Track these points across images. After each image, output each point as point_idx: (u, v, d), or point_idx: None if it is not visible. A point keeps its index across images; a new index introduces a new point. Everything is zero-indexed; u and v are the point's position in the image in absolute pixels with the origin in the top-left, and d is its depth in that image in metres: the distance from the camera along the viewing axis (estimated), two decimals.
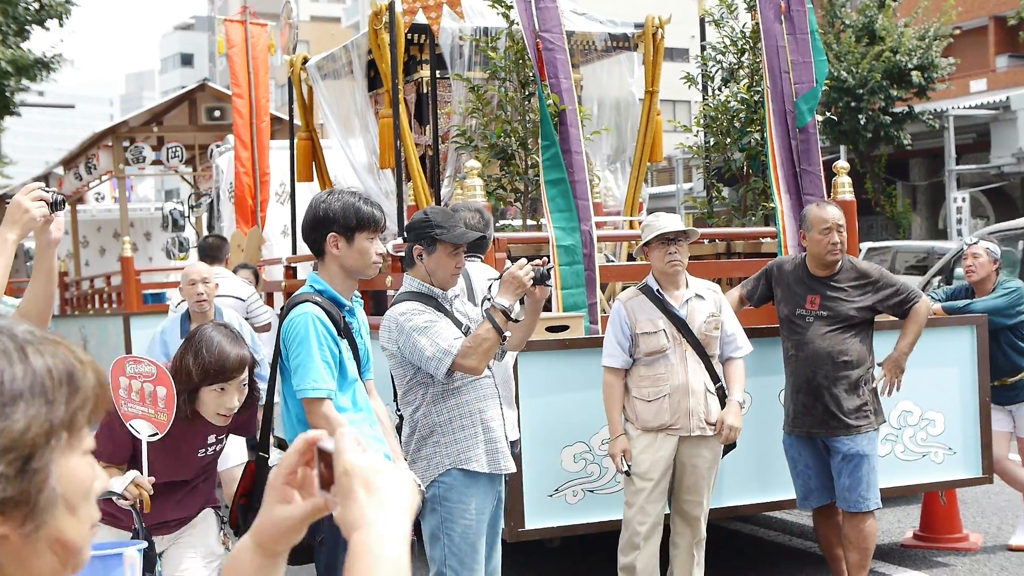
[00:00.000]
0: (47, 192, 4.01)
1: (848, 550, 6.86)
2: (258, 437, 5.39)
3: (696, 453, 6.39)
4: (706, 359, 6.42)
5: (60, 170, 20.05)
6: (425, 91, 9.63)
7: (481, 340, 5.16)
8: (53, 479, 1.44)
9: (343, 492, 1.58)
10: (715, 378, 6.44)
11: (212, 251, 10.05)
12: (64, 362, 1.49)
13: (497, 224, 8.39)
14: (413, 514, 1.59)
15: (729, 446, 6.52)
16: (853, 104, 30.45)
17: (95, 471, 1.52)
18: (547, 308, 7.43)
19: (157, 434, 4.78)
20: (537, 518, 6.82)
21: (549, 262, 5.49)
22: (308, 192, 10.58)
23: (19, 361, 1.45)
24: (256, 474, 5.14)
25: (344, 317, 4.85)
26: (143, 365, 4.87)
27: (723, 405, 6.42)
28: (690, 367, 6.38)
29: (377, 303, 8.82)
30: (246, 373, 4.82)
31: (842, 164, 8.24)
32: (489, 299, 5.27)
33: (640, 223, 9.36)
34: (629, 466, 6.36)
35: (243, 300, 9.44)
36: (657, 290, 6.47)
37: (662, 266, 6.43)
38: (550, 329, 6.98)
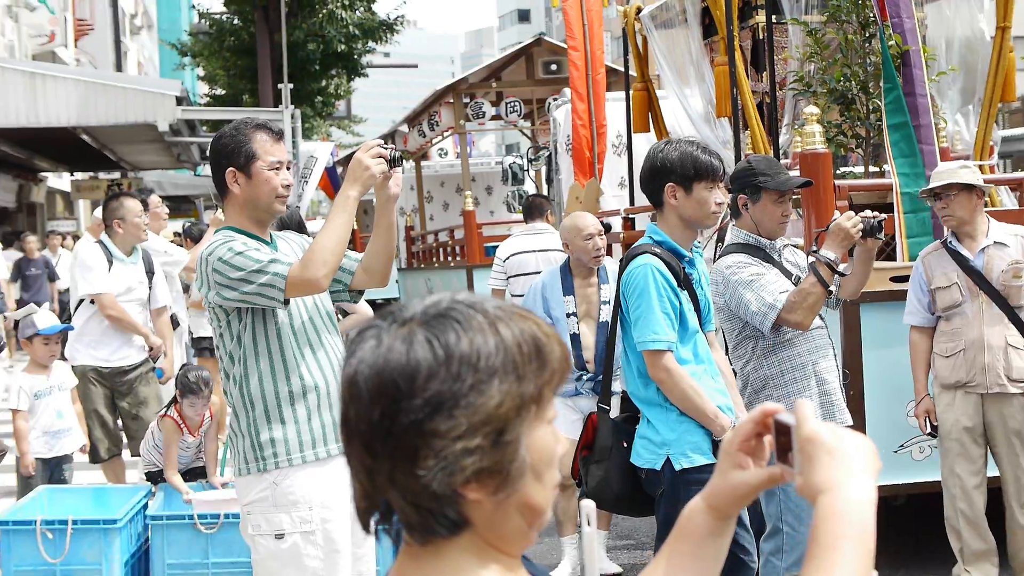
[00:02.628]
0: (386, 149, 4.16)
1: None
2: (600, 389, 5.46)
3: (1004, 412, 6.04)
4: (1010, 311, 6.02)
5: (405, 127, 20.74)
6: (761, 37, 9.46)
7: (806, 294, 5.06)
8: (523, 449, 1.54)
9: (807, 458, 1.62)
10: None
11: (539, 209, 10.23)
12: (532, 336, 1.56)
13: (838, 171, 8.18)
14: (877, 478, 1.64)
15: None
16: None
17: (557, 437, 1.60)
18: (892, 257, 7.21)
19: None
20: (881, 474, 6.63)
21: (881, 214, 5.32)
22: (644, 143, 10.57)
23: (492, 337, 1.53)
24: (597, 426, 5.21)
25: (684, 268, 4.83)
26: None
27: None
28: (987, 321, 6.02)
29: None
30: None
31: None
32: (815, 251, 5.16)
33: (991, 168, 8.96)
34: (934, 426, 6.13)
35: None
36: (950, 241, 6.17)
37: (940, 219, 6.20)
38: (894, 279, 6.77)
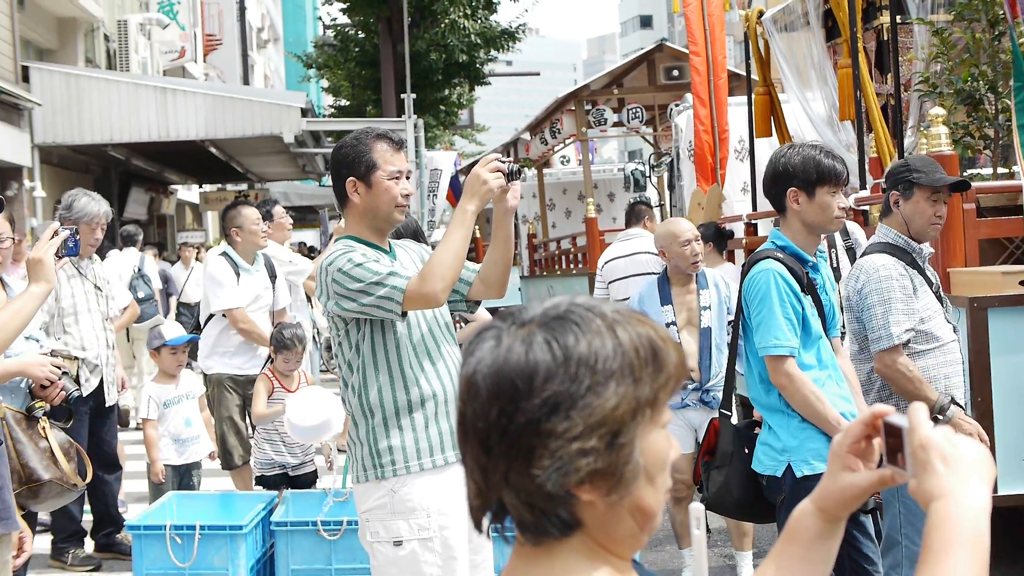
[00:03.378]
0: (504, 163, 4.17)
1: None
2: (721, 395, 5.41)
3: None
4: None
5: (527, 135, 20.79)
6: (885, 38, 9.33)
7: (908, 381, 4.99)
8: (637, 452, 1.55)
9: (920, 464, 1.61)
10: None
11: (637, 215, 10.24)
12: (650, 340, 1.57)
13: (965, 173, 8.03)
14: (991, 485, 1.61)
15: None
16: None
17: (671, 442, 1.61)
18: (1021, 260, 7.04)
19: None
20: (1011, 483, 6.49)
21: None
22: (767, 148, 10.50)
23: (610, 340, 1.54)
24: (719, 431, 5.17)
25: (808, 273, 4.77)
26: None
27: None
28: None
29: None
30: None
31: None
32: (947, 407, 5.05)
33: None
34: None
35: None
36: None
37: None
38: None
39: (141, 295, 13.61)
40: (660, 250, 7.00)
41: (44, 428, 4.87)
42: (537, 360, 1.52)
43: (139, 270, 14.12)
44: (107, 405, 7.78)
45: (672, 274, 6.98)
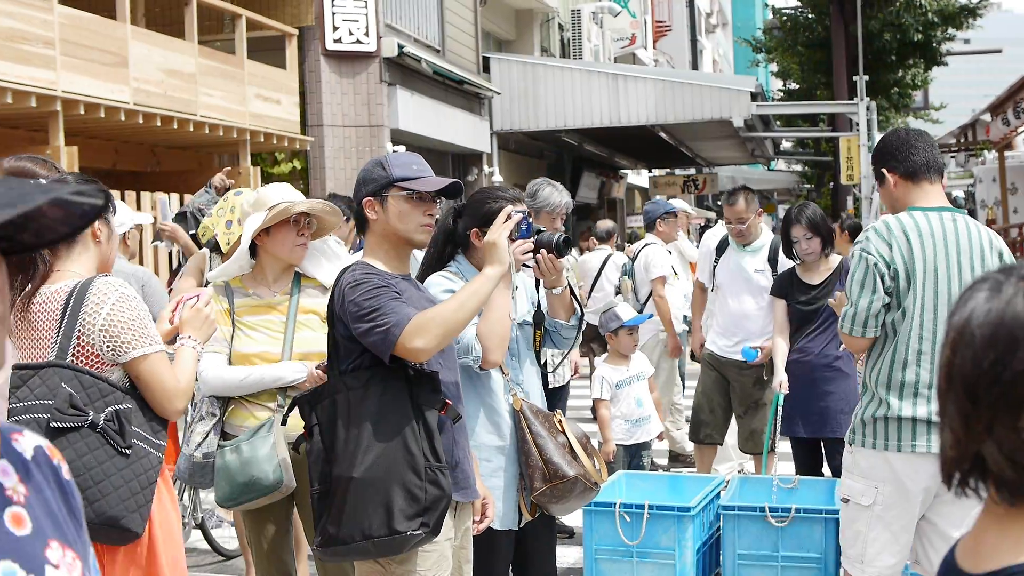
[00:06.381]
0: None
1: None
2: None
3: None
4: None
5: (987, 116, 19.92)
6: None
7: None
8: None
9: None
10: None
11: None
12: None
13: None
14: None
15: None
16: None
17: None
18: None
19: None
20: None
21: None
22: None
23: None
24: None
25: None
26: None
27: None
28: None
29: None
30: None
31: None
32: None
33: None
34: None
35: None
36: None
37: None
38: None
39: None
40: None
41: (561, 421, 4.82)
42: None
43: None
44: (550, 387, 7.99)
45: None
